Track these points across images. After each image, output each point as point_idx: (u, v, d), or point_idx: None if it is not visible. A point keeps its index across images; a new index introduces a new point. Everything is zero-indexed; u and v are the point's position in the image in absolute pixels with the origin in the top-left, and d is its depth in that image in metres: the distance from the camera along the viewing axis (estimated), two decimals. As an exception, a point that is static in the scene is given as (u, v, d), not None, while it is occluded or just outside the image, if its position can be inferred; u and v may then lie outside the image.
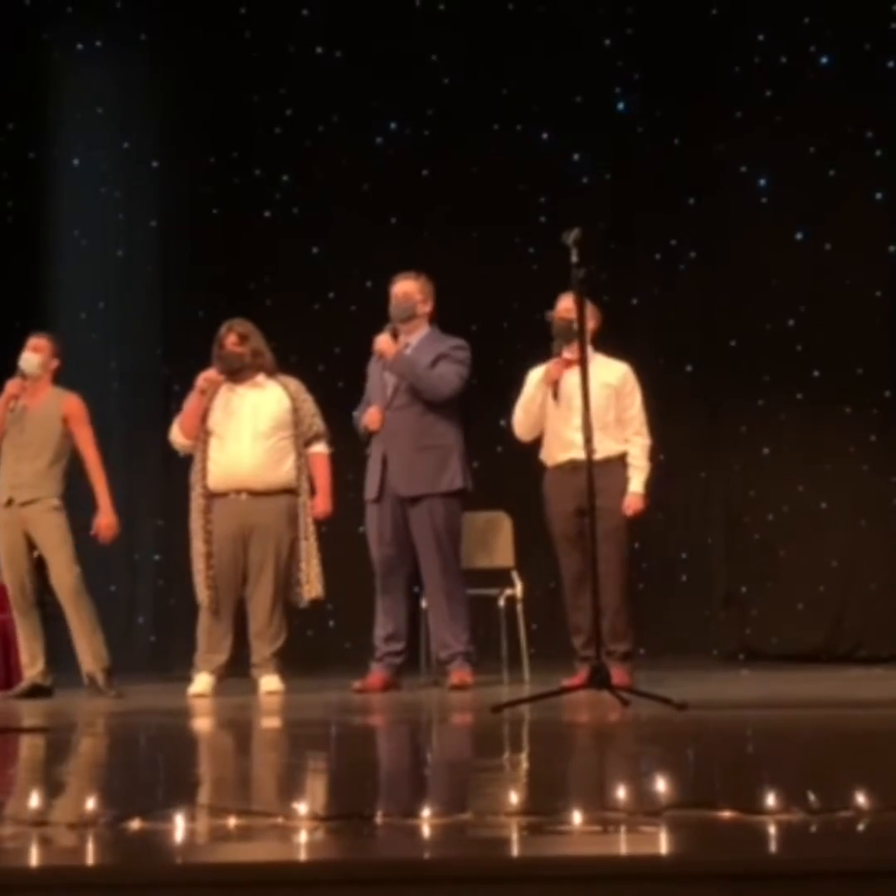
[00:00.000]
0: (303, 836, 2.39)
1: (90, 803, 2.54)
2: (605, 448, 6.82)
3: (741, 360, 9.23)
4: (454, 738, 5.20)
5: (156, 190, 9.85)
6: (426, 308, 7.32)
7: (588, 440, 5.69)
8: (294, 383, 7.37)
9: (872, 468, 9.02)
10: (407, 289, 7.30)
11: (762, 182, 9.26)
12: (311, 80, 9.71)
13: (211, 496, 7.15)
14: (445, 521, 7.20)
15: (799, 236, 9.23)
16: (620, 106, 9.64)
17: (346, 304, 9.38)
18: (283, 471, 7.19)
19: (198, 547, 7.15)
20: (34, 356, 7.40)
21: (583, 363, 5.80)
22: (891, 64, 9.14)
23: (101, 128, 9.89)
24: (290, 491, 7.20)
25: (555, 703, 5.74)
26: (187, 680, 7.16)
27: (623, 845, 2.32)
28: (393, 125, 9.78)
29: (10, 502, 7.30)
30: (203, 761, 4.39)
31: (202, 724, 5.90)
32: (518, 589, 7.67)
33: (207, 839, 2.43)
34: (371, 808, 2.60)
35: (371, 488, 7.23)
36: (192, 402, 7.27)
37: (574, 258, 5.70)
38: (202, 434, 7.20)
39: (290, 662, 7.25)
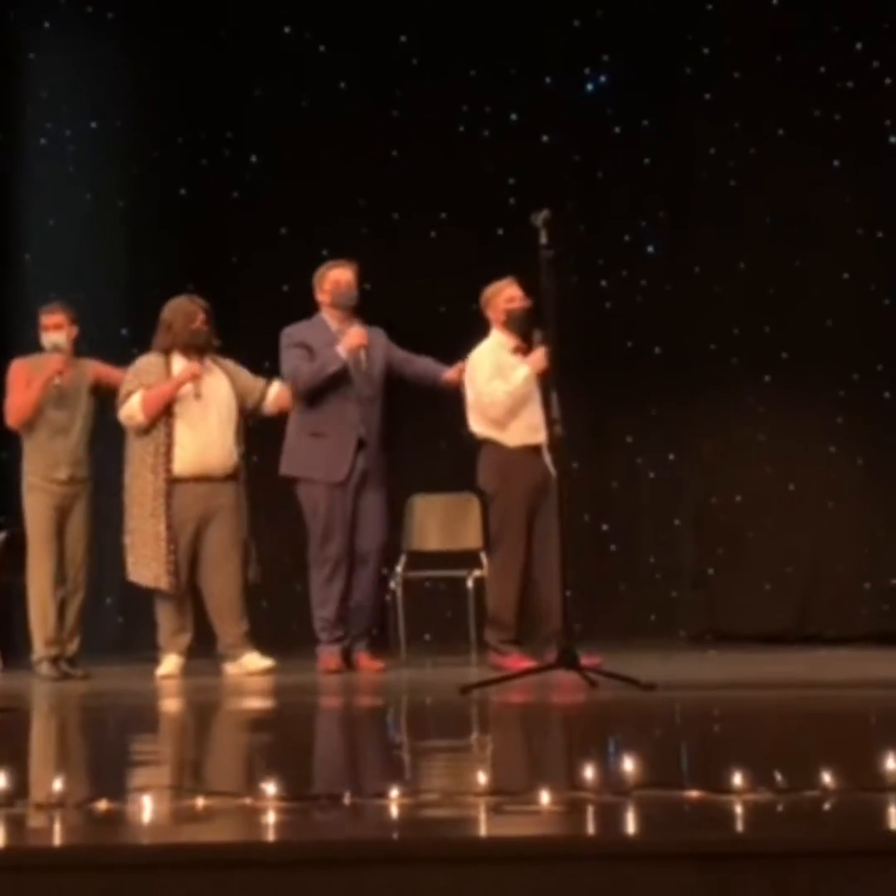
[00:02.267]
0: (270, 817, 2.40)
1: (58, 784, 2.54)
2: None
3: (710, 342, 9.24)
4: (422, 719, 5.20)
5: (123, 170, 9.77)
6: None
7: (557, 421, 5.81)
8: (229, 362, 7.37)
9: (840, 450, 9.03)
10: (350, 277, 7.36)
11: (731, 164, 9.24)
12: (280, 61, 9.65)
13: (174, 481, 7.12)
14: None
15: (768, 219, 9.23)
16: (590, 87, 9.63)
17: (315, 286, 9.34)
18: (238, 455, 7.26)
19: (158, 531, 7.08)
20: (59, 334, 7.30)
21: (547, 345, 5.91)
22: (859, 46, 9.14)
23: (68, 107, 9.80)
24: (238, 476, 7.26)
25: (522, 683, 5.75)
26: (155, 661, 7.15)
27: (590, 825, 2.33)
28: (362, 106, 9.73)
29: (71, 479, 7.28)
30: (171, 742, 4.39)
31: (171, 705, 5.90)
32: (486, 570, 7.66)
33: (175, 820, 2.43)
34: (339, 789, 2.60)
35: (339, 471, 7.18)
36: (169, 388, 7.11)
37: (543, 239, 5.72)
38: (165, 417, 7.14)
39: (259, 644, 7.23)
